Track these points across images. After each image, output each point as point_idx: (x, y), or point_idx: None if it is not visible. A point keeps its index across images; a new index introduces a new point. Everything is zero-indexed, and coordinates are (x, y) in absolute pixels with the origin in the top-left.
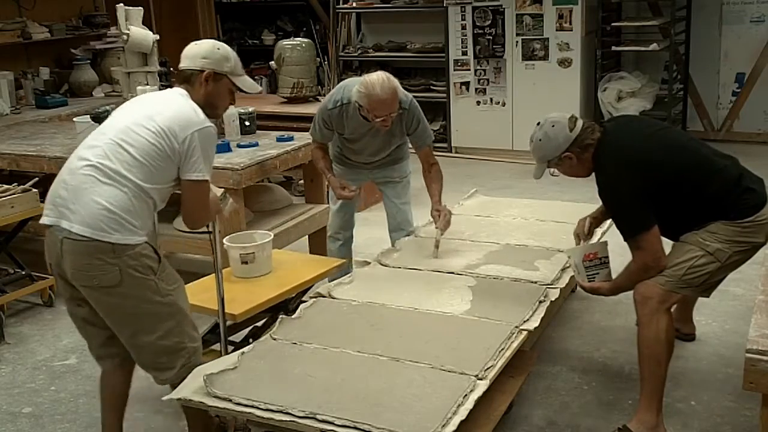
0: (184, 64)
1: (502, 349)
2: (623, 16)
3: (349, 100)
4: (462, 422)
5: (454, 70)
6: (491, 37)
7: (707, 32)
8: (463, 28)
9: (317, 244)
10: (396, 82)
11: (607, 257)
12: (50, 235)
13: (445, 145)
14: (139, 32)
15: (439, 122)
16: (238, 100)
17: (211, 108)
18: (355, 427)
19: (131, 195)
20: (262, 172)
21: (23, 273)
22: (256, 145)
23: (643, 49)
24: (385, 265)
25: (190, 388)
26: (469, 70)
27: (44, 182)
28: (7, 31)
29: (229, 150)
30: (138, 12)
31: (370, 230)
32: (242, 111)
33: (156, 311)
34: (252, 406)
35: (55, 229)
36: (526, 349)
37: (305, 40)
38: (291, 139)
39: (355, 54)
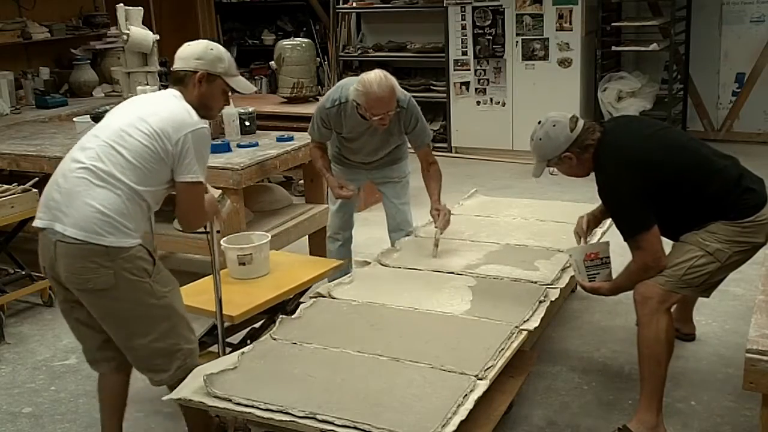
0: (177, 65)
1: (502, 349)
2: (623, 16)
3: (347, 98)
4: (462, 422)
5: (454, 70)
6: (491, 37)
7: (707, 32)
8: (463, 28)
9: (317, 244)
10: (393, 80)
11: (608, 257)
12: (43, 238)
13: (445, 145)
14: (139, 32)
15: (439, 122)
16: (238, 100)
17: (205, 109)
18: (355, 427)
19: (125, 198)
20: (262, 172)
21: (23, 273)
22: (256, 145)
23: (643, 49)
24: (385, 265)
25: (190, 388)
26: (469, 70)
27: (44, 182)
28: (7, 31)
29: (229, 150)
30: (138, 12)
31: (369, 230)
32: (242, 111)
33: (151, 313)
34: (252, 406)
35: (49, 232)
36: (526, 349)
37: (305, 40)
38: (291, 139)
39: (355, 54)
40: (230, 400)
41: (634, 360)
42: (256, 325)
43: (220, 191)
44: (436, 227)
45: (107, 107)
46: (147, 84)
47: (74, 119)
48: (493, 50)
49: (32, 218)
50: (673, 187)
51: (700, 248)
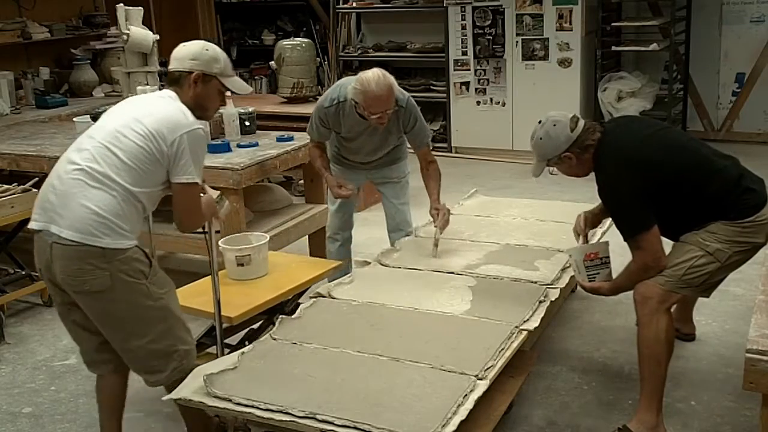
0: (172, 65)
1: (502, 349)
2: (623, 16)
3: (346, 97)
4: (462, 422)
5: (454, 70)
6: (491, 37)
7: (707, 32)
8: (463, 28)
9: (317, 245)
10: (392, 79)
11: (608, 257)
12: (39, 240)
13: (445, 145)
14: (139, 32)
15: (439, 122)
16: (238, 100)
17: (201, 110)
18: (355, 427)
19: (120, 199)
20: (262, 172)
21: (23, 273)
22: (256, 145)
23: (643, 49)
24: (385, 265)
25: (190, 388)
26: (469, 70)
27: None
28: (7, 31)
29: (229, 150)
30: (138, 12)
31: (369, 230)
32: (242, 111)
33: (147, 315)
34: (252, 406)
35: (45, 234)
36: (526, 349)
37: (305, 40)
38: (291, 139)
39: (355, 54)
40: (230, 400)
41: (634, 360)
42: (255, 326)
43: (219, 192)
44: (435, 226)
45: (107, 107)
46: (147, 84)
47: (74, 119)
48: (493, 50)
49: None
50: (673, 187)
51: (700, 248)
